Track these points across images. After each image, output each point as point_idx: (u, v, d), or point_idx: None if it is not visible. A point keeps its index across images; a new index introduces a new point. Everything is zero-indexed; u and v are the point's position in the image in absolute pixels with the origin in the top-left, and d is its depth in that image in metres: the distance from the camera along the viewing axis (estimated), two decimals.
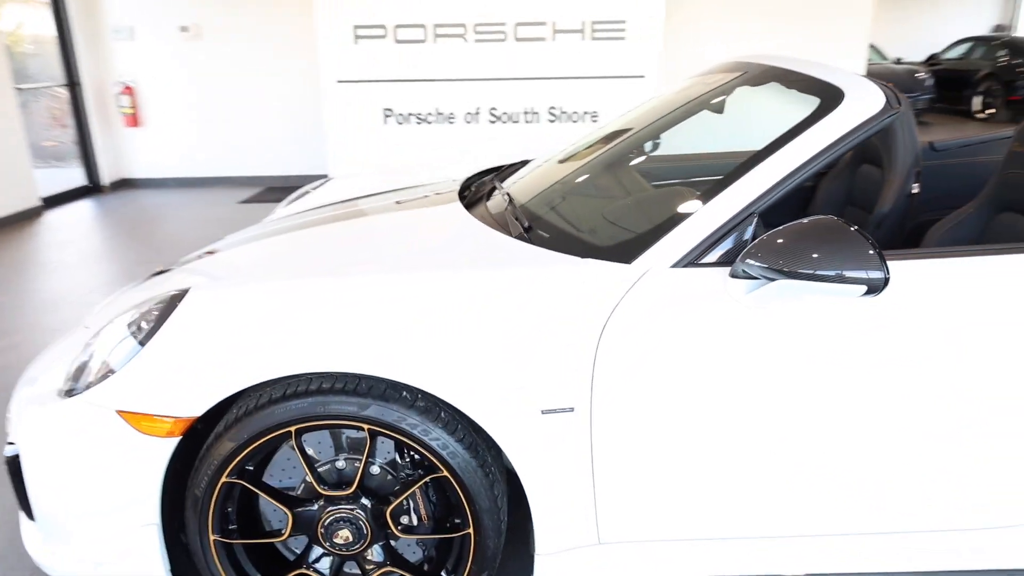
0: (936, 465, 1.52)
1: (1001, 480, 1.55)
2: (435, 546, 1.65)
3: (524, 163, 2.56)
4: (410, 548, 1.67)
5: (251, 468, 1.54)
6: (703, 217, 1.52)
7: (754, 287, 1.43)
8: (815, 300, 1.41)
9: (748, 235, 1.50)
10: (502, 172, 2.48)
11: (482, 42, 5.77)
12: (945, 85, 12.06)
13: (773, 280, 1.39)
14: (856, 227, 1.34)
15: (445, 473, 1.51)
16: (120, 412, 1.48)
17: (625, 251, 1.55)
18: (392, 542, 1.63)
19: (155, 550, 1.56)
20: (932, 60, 13.36)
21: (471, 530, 1.55)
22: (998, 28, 16.48)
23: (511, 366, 1.44)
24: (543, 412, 1.46)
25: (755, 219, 1.50)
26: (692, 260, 1.50)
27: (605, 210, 1.92)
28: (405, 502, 1.57)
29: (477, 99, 5.92)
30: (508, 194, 2.02)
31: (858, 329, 1.43)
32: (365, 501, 1.57)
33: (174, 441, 1.48)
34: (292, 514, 1.56)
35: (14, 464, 1.61)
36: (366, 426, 1.47)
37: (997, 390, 1.47)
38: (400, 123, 5.99)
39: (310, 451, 1.58)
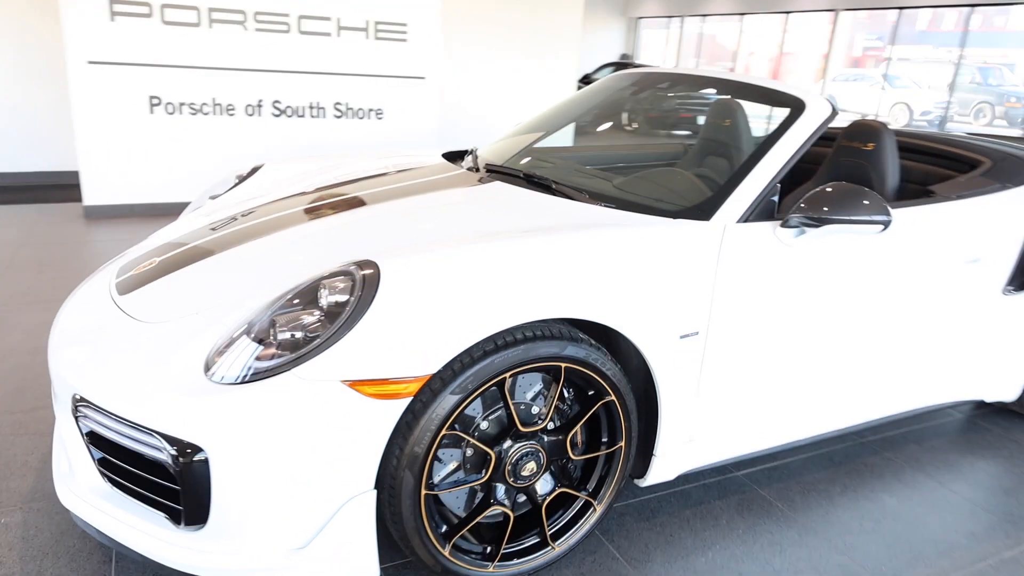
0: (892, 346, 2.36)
1: (906, 354, 2.42)
2: (582, 466, 1.95)
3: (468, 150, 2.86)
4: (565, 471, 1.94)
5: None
6: (750, 184, 2.07)
7: (798, 233, 2.04)
8: (844, 238, 2.08)
9: (775, 198, 2.11)
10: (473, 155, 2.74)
11: (264, 32, 5.54)
12: None
13: (817, 227, 2.01)
14: (866, 188, 2.03)
15: (613, 397, 1.83)
16: (346, 382, 1.49)
17: (699, 212, 2.04)
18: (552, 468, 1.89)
19: (369, 518, 1.59)
20: (585, 79, 16.01)
21: (623, 443, 1.90)
22: (624, 56, 20.34)
23: (661, 303, 1.83)
24: (681, 337, 1.88)
25: (779, 187, 2.12)
26: (746, 217, 2.05)
27: (636, 180, 2.39)
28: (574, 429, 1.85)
29: (259, 91, 5.66)
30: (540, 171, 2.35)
31: (866, 254, 2.15)
32: (542, 434, 1.80)
33: (406, 401, 1.55)
34: (494, 454, 1.72)
35: (199, 468, 1.48)
36: (563, 364, 1.73)
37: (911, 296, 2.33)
38: (171, 113, 5.42)
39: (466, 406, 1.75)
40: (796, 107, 2.27)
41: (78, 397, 1.67)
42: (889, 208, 2.02)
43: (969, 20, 15.19)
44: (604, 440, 1.91)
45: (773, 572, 1.99)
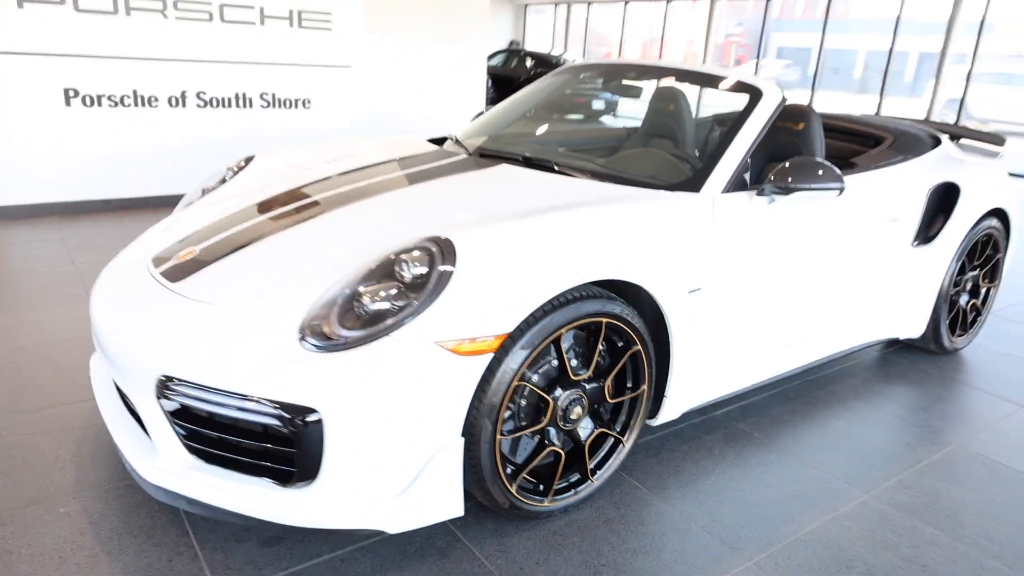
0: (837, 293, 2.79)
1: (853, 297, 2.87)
2: (611, 409, 2.23)
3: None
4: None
5: None
6: (727, 161, 2.42)
7: (769, 201, 2.41)
8: (804, 206, 2.47)
9: (747, 173, 2.47)
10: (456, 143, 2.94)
11: (185, 20, 5.40)
12: (498, 85, 14.94)
13: (785, 195, 2.38)
14: (824, 160, 2.42)
15: (639, 347, 2.12)
16: (440, 342, 1.70)
17: (690, 185, 2.36)
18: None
19: (457, 462, 1.80)
20: None
21: (645, 386, 2.20)
22: (512, 43, 20.71)
23: (674, 264, 2.14)
24: (689, 292, 2.20)
25: (750, 163, 2.48)
26: (727, 189, 2.40)
27: (628, 157, 2.67)
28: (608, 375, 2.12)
29: (182, 82, 5.52)
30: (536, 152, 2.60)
31: (820, 218, 2.55)
32: (584, 383, 2.07)
33: (489, 357, 1.76)
34: (552, 400, 1.97)
35: (313, 429, 1.63)
36: (604, 319, 2.00)
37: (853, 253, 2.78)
38: (89, 106, 5.20)
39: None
40: (754, 94, 2.65)
41: (164, 378, 1.76)
42: (842, 175, 2.42)
43: (829, 7, 16.63)
44: (629, 385, 2.21)
45: (765, 486, 2.36)
